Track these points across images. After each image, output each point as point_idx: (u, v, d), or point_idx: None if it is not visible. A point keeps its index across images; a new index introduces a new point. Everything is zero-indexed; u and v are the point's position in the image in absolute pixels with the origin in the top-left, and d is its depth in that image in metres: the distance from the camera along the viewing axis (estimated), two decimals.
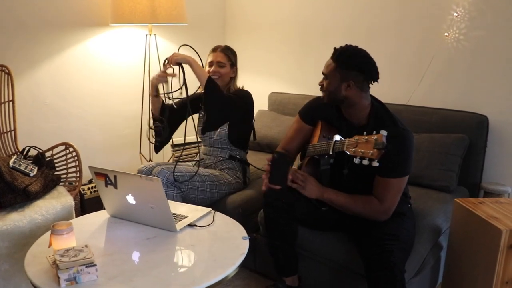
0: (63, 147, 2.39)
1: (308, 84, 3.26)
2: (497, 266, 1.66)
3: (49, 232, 1.51)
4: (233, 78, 2.46)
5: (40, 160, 2.26)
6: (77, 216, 2.11)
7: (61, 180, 2.32)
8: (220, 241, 1.60)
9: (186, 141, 2.51)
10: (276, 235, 1.89)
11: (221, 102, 2.21)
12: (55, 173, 2.28)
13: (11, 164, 2.10)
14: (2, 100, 2.44)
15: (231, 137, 2.40)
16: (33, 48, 2.70)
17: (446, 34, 2.54)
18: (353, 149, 1.58)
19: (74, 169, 2.36)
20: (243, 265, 2.31)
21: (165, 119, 2.33)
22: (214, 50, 2.44)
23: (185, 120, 2.25)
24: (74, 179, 2.37)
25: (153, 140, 2.39)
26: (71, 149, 2.36)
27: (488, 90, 2.44)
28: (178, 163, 2.45)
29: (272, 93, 3.36)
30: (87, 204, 2.81)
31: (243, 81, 2.56)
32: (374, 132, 1.56)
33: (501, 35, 2.36)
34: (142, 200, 1.64)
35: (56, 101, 2.86)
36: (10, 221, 1.89)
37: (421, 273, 1.87)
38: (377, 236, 1.68)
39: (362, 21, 2.89)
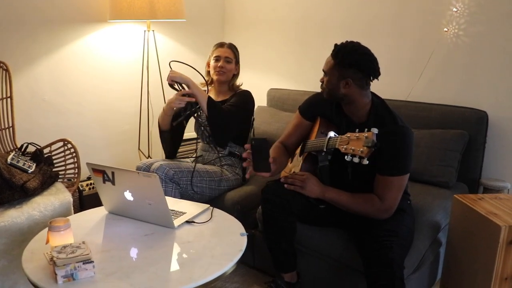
0: (61, 143, 2.38)
1: (307, 80, 3.25)
2: (496, 262, 1.66)
3: (46, 229, 1.50)
4: (236, 75, 2.48)
5: (39, 156, 2.26)
6: (75, 212, 2.11)
7: (60, 176, 2.31)
8: (218, 238, 1.60)
9: (185, 137, 2.53)
10: (274, 231, 1.89)
11: (225, 122, 2.26)
12: (54, 169, 2.28)
13: (9, 160, 2.10)
14: (0, 97, 2.43)
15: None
16: (31, 44, 2.69)
17: (445, 29, 2.53)
18: (345, 146, 1.57)
19: (72, 166, 2.35)
20: (242, 262, 2.33)
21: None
22: (221, 45, 2.44)
23: (183, 121, 2.25)
24: (72, 175, 2.36)
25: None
26: (69, 146, 2.35)
27: (488, 85, 2.43)
28: (177, 159, 2.46)
29: (271, 89, 3.35)
30: (86, 201, 2.81)
31: (242, 78, 2.56)
32: (366, 129, 1.55)
33: (501, 30, 2.34)
34: (140, 196, 1.63)
35: (54, 98, 2.85)
36: (8, 217, 1.88)
37: (420, 269, 1.87)
38: (376, 233, 1.68)
39: (361, 16, 2.88)
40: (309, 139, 1.94)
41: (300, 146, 2.03)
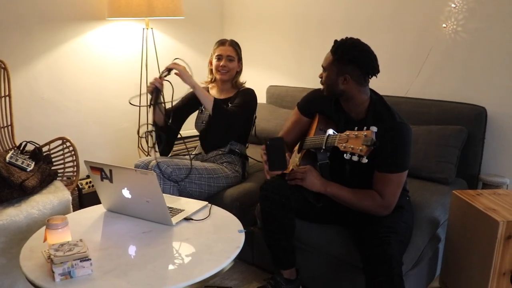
0: (60, 141, 2.39)
1: (306, 77, 3.25)
2: (494, 258, 1.66)
3: (44, 227, 1.50)
4: (239, 72, 2.45)
5: (37, 155, 2.26)
6: (74, 210, 2.11)
7: (59, 175, 2.31)
8: (216, 235, 1.60)
9: (186, 135, 2.53)
10: (273, 228, 1.89)
11: (228, 122, 2.27)
12: (52, 168, 2.28)
13: (7, 159, 2.10)
14: None
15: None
16: (30, 42, 2.69)
17: (444, 25, 2.52)
18: (344, 145, 1.57)
19: (71, 164, 2.36)
20: (241, 258, 2.34)
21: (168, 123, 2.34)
22: (223, 43, 2.40)
23: (169, 118, 2.29)
24: (71, 173, 2.37)
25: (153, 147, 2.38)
26: (68, 144, 2.35)
27: (487, 81, 2.42)
28: (176, 157, 2.45)
29: (270, 86, 3.35)
30: (85, 199, 2.81)
31: (242, 75, 2.53)
32: (365, 128, 1.55)
33: (499, 26, 2.34)
34: (137, 194, 1.63)
35: (53, 96, 2.85)
36: (7, 216, 1.89)
37: (419, 265, 1.87)
38: (375, 229, 1.68)
39: (360, 13, 2.87)
40: (307, 135, 1.93)
41: (298, 143, 2.03)
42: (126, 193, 1.65)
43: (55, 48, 2.81)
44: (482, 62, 2.42)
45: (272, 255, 1.95)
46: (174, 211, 1.75)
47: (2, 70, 2.43)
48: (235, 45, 2.42)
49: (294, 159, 2.02)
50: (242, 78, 2.51)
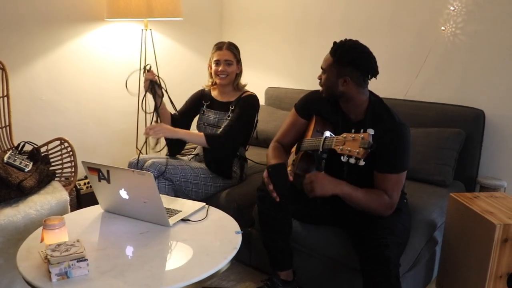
0: (58, 142, 2.39)
1: (305, 78, 3.25)
2: (491, 261, 1.66)
3: (42, 227, 1.50)
4: (239, 74, 2.43)
5: (35, 155, 2.26)
6: (72, 211, 2.10)
7: (57, 175, 2.31)
8: (213, 236, 1.60)
9: None
10: (270, 229, 1.89)
11: (227, 147, 2.31)
12: (50, 168, 2.28)
13: (5, 159, 2.10)
14: None
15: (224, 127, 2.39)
16: (28, 43, 2.69)
17: (442, 28, 2.53)
18: (341, 147, 1.57)
19: (69, 164, 2.35)
20: (238, 260, 2.34)
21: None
22: (220, 48, 2.37)
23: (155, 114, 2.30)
24: (69, 174, 2.37)
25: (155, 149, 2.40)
26: (66, 144, 2.35)
27: (485, 84, 2.43)
28: (174, 157, 2.45)
29: (269, 87, 3.35)
30: (83, 199, 2.81)
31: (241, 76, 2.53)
32: (362, 130, 1.55)
33: (498, 29, 2.34)
34: (135, 194, 1.63)
35: (51, 96, 2.85)
36: (4, 216, 1.88)
37: (416, 267, 1.87)
38: (373, 231, 1.68)
39: (359, 14, 2.88)
40: (305, 137, 1.93)
41: (295, 145, 2.03)
42: (123, 193, 1.65)
43: (53, 49, 2.81)
44: (480, 64, 2.43)
45: (269, 256, 1.95)
46: (171, 212, 1.75)
47: (1, 70, 2.43)
48: (232, 48, 2.39)
49: (291, 161, 2.02)
50: (242, 80, 2.50)
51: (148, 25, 2.99)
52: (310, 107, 1.95)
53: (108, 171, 1.63)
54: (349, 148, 1.53)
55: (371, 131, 1.51)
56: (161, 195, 1.61)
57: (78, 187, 2.82)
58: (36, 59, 2.74)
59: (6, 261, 1.91)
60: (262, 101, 3.35)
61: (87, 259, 1.31)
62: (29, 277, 1.32)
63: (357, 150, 1.50)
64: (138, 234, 1.60)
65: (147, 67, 2.25)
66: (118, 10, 2.73)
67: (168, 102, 2.37)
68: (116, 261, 1.40)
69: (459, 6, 2.45)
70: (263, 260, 2.13)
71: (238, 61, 2.41)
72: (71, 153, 2.34)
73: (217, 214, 1.80)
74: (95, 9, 2.94)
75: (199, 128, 2.49)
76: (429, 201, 2.13)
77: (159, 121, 2.28)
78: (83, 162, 1.69)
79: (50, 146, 2.40)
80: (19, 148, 2.29)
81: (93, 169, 1.67)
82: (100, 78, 3.07)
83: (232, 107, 2.36)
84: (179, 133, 2.24)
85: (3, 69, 2.42)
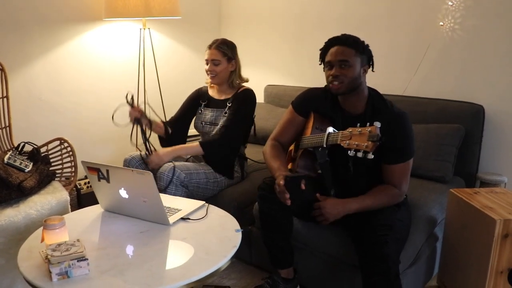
0: (58, 142, 2.39)
1: (304, 76, 3.25)
2: (492, 256, 1.66)
3: (42, 227, 1.50)
4: (233, 72, 2.39)
5: (35, 155, 2.26)
6: (73, 211, 2.11)
7: (57, 175, 2.32)
8: (212, 234, 1.60)
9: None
10: (271, 228, 1.89)
11: (226, 149, 2.32)
12: (51, 168, 2.28)
13: (5, 160, 2.10)
14: None
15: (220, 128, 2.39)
16: (27, 43, 2.69)
17: (441, 23, 2.52)
18: (347, 142, 1.57)
19: (69, 164, 2.36)
20: (239, 258, 2.34)
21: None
22: (209, 47, 2.36)
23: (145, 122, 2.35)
24: (69, 174, 2.37)
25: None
26: (65, 144, 2.35)
27: (484, 79, 2.42)
28: (178, 159, 2.45)
29: (268, 85, 3.35)
30: (84, 199, 2.82)
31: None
32: (368, 124, 1.55)
33: (496, 24, 2.34)
34: (134, 194, 1.64)
35: (51, 97, 2.85)
36: (5, 216, 1.89)
37: (416, 264, 1.87)
38: (372, 228, 1.68)
39: (357, 11, 2.87)
40: (303, 135, 1.93)
41: (294, 143, 2.03)
42: (123, 193, 1.66)
43: (52, 49, 2.81)
44: (479, 60, 2.42)
45: (270, 255, 1.95)
46: (171, 211, 1.75)
47: (0, 71, 2.43)
48: (221, 47, 2.33)
49: (289, 159, 2.02)
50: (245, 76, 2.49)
51: (146, 24, 2.99)
52: (308, 104, 1.95)
53: (107, 171, 1.64)
54: (356, 142, 1.53)
55: (378, 124, 1.51)
56: (162, 194, 1.61)
57: (79, 186, 2.83)
58: (35, 59, 2.74)
59: (7, 261, 1.91)
60: (261, 99, 3.35)
61: (87, 259, 1.32)
62: (30, 277, 1.32)
63: (366, 144, 1.50)
64: (138, 233, 1.60)
65: (129, 101, 2.27)
66: (116, 10, 2.73)
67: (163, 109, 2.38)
68: (116, 260, 1.41)
69: (457, 1, 2.44)
70: (263, 258, 2.14)
71: (230, 58, 2.35)
72: (71, 153, 2.34)
73: (217, 213, 1.80)
74: (93, 9, 2.94)
75: (196, 127, 2.50)
76: (429, 197, 2.13)
77: (152, 149, 2.29)
78: (82, 162, 1.70)
79: (50, 146, 2.40)
80: (19, 149, 2.30)
81: (93, 168, 1.67)
82: (99, 78, 3.07)
83: (229, 103, 2.36)
84: (176, 151, 2.28)
85: (2, 70, 2.42)
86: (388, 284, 1.56)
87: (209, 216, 1.75)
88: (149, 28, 3.04)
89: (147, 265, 1.38)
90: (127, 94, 2.27)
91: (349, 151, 1.56)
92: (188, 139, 2.64)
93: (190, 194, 2.21)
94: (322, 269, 1.98)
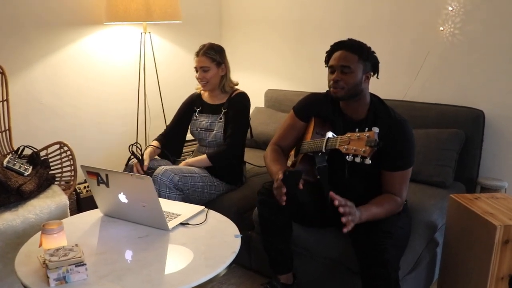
0: (57, 146, 2.38)
1: (304, 80, 3.25)
2: (492, 262, 1.65)
3: (40, 232, 1.50)
4: (224, 76, 2.36)
5: (35, 159, 2.26)
6: (72, 215, 2.10)
7: (56, 179, 2.31)
8: (212, 239, 1.59)
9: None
10: (270, 233, 1.88)
11: (232, 157, 2.34)
12: (50, 172, 2.27)
13: (5, 163, 2.10)
14: None
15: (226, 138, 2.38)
16: (27, 47, 2.69)
17: (441, 28, 2.52)
18: (345, 147, 1.56)
19: (69, 168, 2.35)
20: (239, 263, 2.33)
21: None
22: (197, 54, 2.35)
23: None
24: (69, 178, 2.36)
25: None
26: (65, 148, 2.35)
27: (484, 84, 2.42)
28: (175, 163, 2.44)
29: (269, 90, 3.34)
30: (83, 203, 2.81)
31: (240, 79, 2.52)
32: (366, 129, 1.54)
33: (496, 29, 2.34)
34: (134, 198, 1.63)
35: (51, 100, 2.85)
36: (3, 220, 1.88)
37: (417, 270, 1.86)
38: (372, 234, 1.67)
39: (358, 16, 2.87)
40: (303, 139, 1.93)
41: (294, 148, 2.02)
42: (122, 197, 1.65)
43: (53, 53, 2.81)
44: (479, 64, 2.42)
45: (270, 260, 1.94)
46: (171, 216, 1.75)
47: (0, 75, 2.43)
48: (208, 53, 2.30)
49: (290, 164, 2.02)
50: (241, 82, 2.47)
51: (147, 28, 2.99)
52: (309, 109, 1.94)
53: (107, 175, 1.63)
54: (354, 147, 1.52)
55: (376, 129, 1.50)
56: (161, 199, 1.60)
57: (78, 191, 2.82)
58: (35, 63, 2.74)
59: (5, 266, 1.90)
60: (261, 104, 3.35)
61: (85, 264, 1.31)
62: (28, 281, 1.32)
63: (363, 149, 1.49)
64: (137, 238, 1.59)
65: (137, 154, 2.29)
66: (117, 14, 2.73)
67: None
68: (114, 266, 1.40)
69: (457, 6, 2.44)
70: (263, 264, 2.13)
71: (219, 63, 2.32)
72: (70, 157, 2.33)
73: (216, 218, 1.79)
74: (94, 13, 2.94)
75: (192, 133, 2.49)
76: (429, 202, 2.12)
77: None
78: (82, 166, 1.69)
79: (50, 150, 2.39)
80: (19, 152, 2.29)
81: (92, 173, 1.67)
82: (100, 82, 3.07)
83: (224, 109, 2.35)
84: (189, 163, 2.31)
85: (3, 73, 2.42)
86: None
87: (208, 221, 1.74)
88: (149, 32, 3.04)
89: (146, 270, 1.37)
90: (130, 146, 2.28)
91: (347, 156, 1.56)
92: (186, 143, 2.64)
93: (186, 197, 2.20)
94: (321, 274, 1.97)
